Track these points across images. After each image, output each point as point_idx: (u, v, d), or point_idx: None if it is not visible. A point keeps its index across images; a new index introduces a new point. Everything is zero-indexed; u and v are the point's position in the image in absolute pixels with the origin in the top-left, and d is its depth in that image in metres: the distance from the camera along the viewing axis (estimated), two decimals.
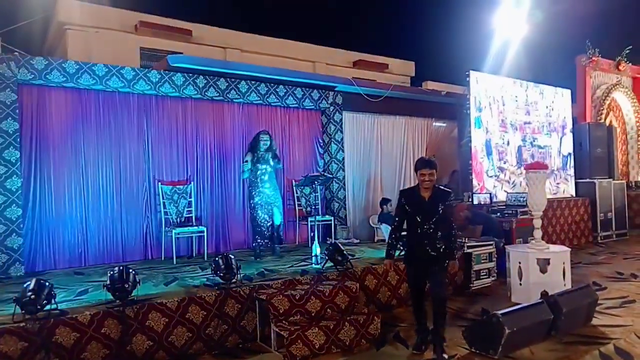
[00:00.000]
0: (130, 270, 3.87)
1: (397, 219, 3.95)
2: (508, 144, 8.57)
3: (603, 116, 10.99)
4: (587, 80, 10.77)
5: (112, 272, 3.81)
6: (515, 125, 8.75)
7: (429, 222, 3.78)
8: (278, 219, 6.05)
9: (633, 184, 11.44)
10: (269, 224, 6.00)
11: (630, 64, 11.64)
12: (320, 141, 7.92)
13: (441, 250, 3.81)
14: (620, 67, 11.43)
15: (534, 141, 9.11)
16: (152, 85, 6.20)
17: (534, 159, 8.74)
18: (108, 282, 3.76)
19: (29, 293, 3.43)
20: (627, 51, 11.48)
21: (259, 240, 5.98)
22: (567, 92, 10.01)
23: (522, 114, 8.93)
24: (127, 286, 3.74)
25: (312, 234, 5.69)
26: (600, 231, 9.48)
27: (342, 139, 7.99)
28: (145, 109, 6.28)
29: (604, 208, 9.62)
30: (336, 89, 7.93)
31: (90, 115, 5.92)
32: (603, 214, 9.58)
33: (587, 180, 9.69)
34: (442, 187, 3.94)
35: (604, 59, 11.09)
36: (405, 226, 3.95)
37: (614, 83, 11.33)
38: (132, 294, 3.82)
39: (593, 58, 10.74)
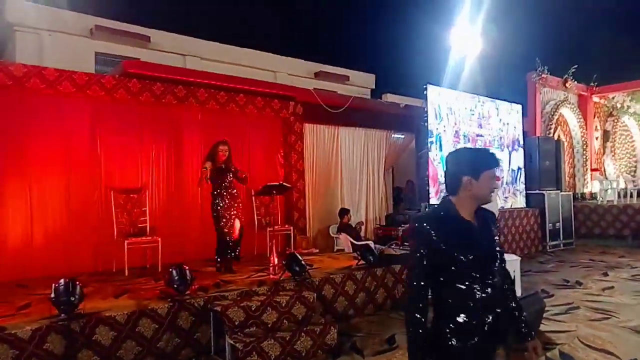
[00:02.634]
0: (77, 283, 3.71)
1: (422, 273, 1.91)
2: None
3: (552, 130, 11.55)
4: (537, 96, 11.31)
5: (57, 285, 3.64)
6: (468, 136, 9.04)
7: (491, 269, 1.93)
8: (237, 233, 5.66)
9: (579, 195, 12.05)
10: (231, 236, 5.59)
11: (575, 82, 12.32)
12: (281, 151, 7.91)
13: (523, 325, 2.06)
14: (567, 85, 12.08)
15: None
16: (106, 91, 6.01)
17: None
18: (53, 295, 3.59)
19: None
20: (573, 70, 12.16)
21: (221, 254, 5.61)
22: (518, 107, 10.45)
23: (475, 126, 9.24)
24: (73, 299, 3.58)
25: (270, 244, 5.64)
26: (549, 240, 9.90)
27: (302, 149, 8.00)
28: (98, 115, 6.08)
29: (553, 218, 10.06)
30: (297, 99, 7.95)
31: (38, 121, 5.67)
32: (552, 224, 10.01)
33: (537, 191, 10.11)
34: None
35: (553, 77, 11.69)
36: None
37: (561, 99, 11.95)
38: (79, 308, 3.66)
39: (542, 75, 11.30)
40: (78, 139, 5.92)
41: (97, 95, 5.95)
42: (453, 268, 1.90)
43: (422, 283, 1.91)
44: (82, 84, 5.82)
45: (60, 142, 5.79)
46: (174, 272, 4.24)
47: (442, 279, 1.92)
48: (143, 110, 6.42)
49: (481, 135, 9.34)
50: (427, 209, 7.97)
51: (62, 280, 3.68)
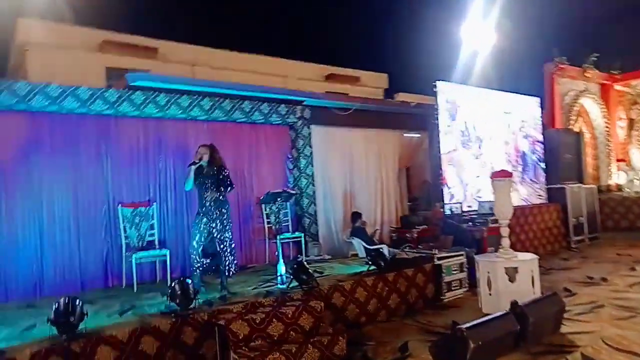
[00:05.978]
0: (77, 301, 3.66)
1: None
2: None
3: (573, 122, 11.14)
4: (555, 87, 10.92)
5: (56, 305, 3.60)
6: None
7: None
8: (214, 247, 5.08)
9: (604, 187, 11.58)
10: (203, 247, 5.08)
11: (596, 71, 11.84)
12: (289, 156, 7.80)
13: None
14: (586, 74, 11.63)
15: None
16: (109, 105, 6.01)
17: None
18: (52, 315, 3.55)
19: None
20: (594, 58, 11.69)
21: (195, 267, 5.08)
22: (536, 100, 10.10)
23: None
24: (72, 319, 3.53)
25: (276, 253, 5.53)
26: (572, 236, 9.51)
27: (311, 153, 7.87)
28: (103, 129, 6.08)
29: (576, 213, 9.66)
30: (304, 103, 7.84)
31: (44, 138, 5.70)
32: (575, 219, 9.61)
33: (558, 185, 9.74)
34: None
35: (571, 66, 11.27)
36: None
37: (581, 89, 11.52)
38: (80, 327, 3.61)
39: (560, 65, 10.91)
40: (84, 154, 5.93)
41: (101, 109, 5.96)
42: None
43: None
44: (85, 99, 5.84)
45: (66, 158, 5.80)
46: (176, 286, 4.16)
47: None
48: (148, 122, 6.40)
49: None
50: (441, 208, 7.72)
51: (61, 300, 3.63)
